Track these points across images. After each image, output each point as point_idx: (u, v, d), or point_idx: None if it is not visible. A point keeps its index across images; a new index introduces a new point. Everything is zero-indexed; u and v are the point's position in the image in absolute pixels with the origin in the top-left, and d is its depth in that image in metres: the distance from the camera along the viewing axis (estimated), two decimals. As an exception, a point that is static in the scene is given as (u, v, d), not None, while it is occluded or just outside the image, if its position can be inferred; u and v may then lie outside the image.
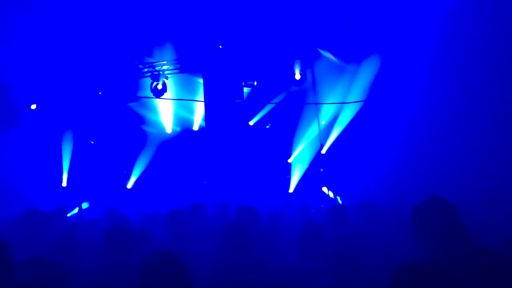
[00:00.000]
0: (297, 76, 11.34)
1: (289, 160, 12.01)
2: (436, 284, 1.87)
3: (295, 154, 11.94)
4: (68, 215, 10.17)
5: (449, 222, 2.67)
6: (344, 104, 10.99)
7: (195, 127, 12.99)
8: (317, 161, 11.64)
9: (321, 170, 11.58)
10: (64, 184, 12.30)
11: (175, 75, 12.14)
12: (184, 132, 13.02)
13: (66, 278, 3.33)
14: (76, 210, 11.23)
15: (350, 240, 3.28)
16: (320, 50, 11.31)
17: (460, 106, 8.66)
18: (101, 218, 6.44)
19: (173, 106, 12.80)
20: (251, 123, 12.46)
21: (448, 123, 8.84)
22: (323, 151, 11.45)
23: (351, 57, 10.85)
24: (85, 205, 11.58)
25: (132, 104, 12.80)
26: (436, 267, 2.03)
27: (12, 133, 8.24)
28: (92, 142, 12.62)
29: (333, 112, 11.29)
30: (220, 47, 11.52)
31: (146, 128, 13.10)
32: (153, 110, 12.88)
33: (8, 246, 2.80)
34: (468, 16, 8.55)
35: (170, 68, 11.89)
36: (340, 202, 10.37)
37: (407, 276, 1.94)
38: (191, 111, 12.88)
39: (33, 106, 11.34)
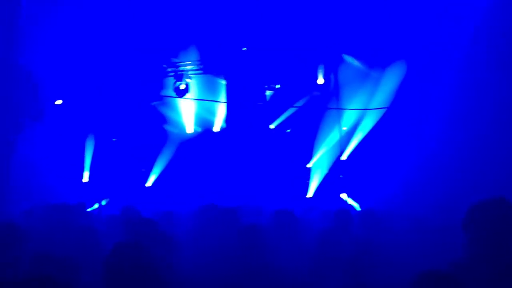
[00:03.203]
0: (320, 81, 11.29)
1: (309, 165, 11.94)
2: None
3: (315, 159, 11.86)
4: (88, 210, 10.32)
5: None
6: (367, 110, 10.88)
7: (216, 128, 13.02)
8: (337, 167, 11.55)
9: (341, 176, 11.49)
10: (85, 179, 12.47)
11: (198, 76, 12.19)
12: (205, 132, 13.07)
13: (74, 275, 3.34)
14: (96, 206, 11.38)
15: (362, 247, 3.23)
16: (344, 56, 11.23)
17: (490, 115, 8.44)
18: (119, 215, 6.48)
19: (195, 107, 12.85)
20: (272, 126, 12.43)
21: (476, 133, 8.63)
22: (344, 157, 11.36)
23: (375, 62, 10.74)
24: (104, 202, 11.72)
25: (155, 103, 12.91)
26: (457, 276, 1.98)
27: (36, 127, 8.40)
28: (114, 140, 12.76)
29: (355, 118, 11.18)
30: (244, 49, 11.55)
31: (167, 127, 13.19)
32: (175, 110, 12.95)
33: None
34: (499, 22, 8.36)
35: (194, 68, 11.96)
36: (358, 209, 10.26)
37: (428, 284, 1.91)
38: (212, 112, 12.91)
39: (58, 102, 11.54)
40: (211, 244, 4.36)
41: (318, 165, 11.79)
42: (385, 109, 10.59)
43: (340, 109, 11.25)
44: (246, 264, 3.49)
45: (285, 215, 4.99)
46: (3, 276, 3.30)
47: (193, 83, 12.00)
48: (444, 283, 1.94)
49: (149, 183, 12.94)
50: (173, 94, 11.75)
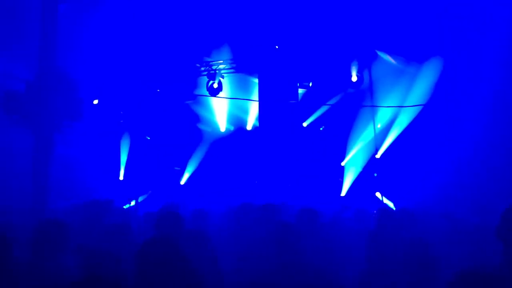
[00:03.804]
0: (354, 78, 11.14)
1: (342, 163, 11.82)
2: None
3: (348, 157, 11.73)
4: (124, 207, 10.54)
5: None
6: (402, 108, 10.67)
7: (249, 127, 13.06)
8: (371, 165, 11.38)
9: (375, 174, 11.31)
10: (121, 177, 12.72)
11: (231, 74, 12.25)
12: (238, 131, 13.12)
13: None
14: (132, 203, 11.59)
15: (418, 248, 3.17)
16: (378, 52, 11.05)
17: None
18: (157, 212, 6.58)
19: (228, 105, 12.93)
20: (305, 124, 12.36)
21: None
22: (378, 156, 11.17)
23: (411, 58, 10.51)
24: (141, 199, 11.92)
25: (188, 102, 13.05)
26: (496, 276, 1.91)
27: (75, 127, 8.62)
28: (149, 138, 12.97)
29: (390, 116, 10.98)
30: (277, 47, 11.51)
31: (201, 126, 13.31)
32: (209, 108, 13.07)
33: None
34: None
35: (226, 67, 12.02)
36: (393, 208, 10.08)
37: (467, 284, 1.85)
38: (245, 110, 12.96)
39: (95, 102, 11.81)
40: (247, 241, 4.37)
41: (352, 164, 11.65)
42: (421, 107, 10.35)
43: (374, 106, 11.08)
44: (281, 262, 3.47)
45: (309, 213, 4.94)
46: (53, 269, 3.43)
47: (226, 81, 12.06)
48: (485, 283, 1.88)
49: (183, 181, 13.10)
50: (206, 93, 11.84)
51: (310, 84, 12.03)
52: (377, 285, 3.26)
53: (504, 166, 8.48)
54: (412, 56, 10.45)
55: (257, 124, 12.57)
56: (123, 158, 12.70)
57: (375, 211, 4.51)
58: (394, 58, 10.91)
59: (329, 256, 3.95)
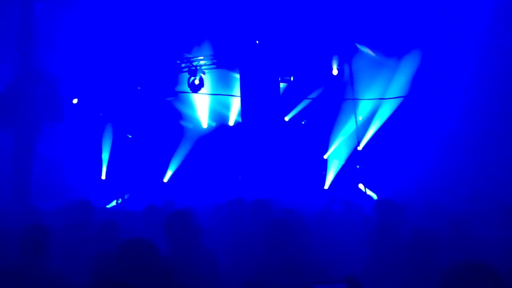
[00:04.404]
0: (335, 72, 11.21)
1: (325, 156, 11.91)
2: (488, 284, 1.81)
3: (331, 150, 11.82)
4: (108, 206, 10.45)
5: None
6: (383, 100, 10.79)
7: (231, 123, 13.04)
8: (354, 157, 11.49)
9: (358, 166, 11.42)
10: (103, 176, 12.60)
11: (212, 70, 12.20)
12: (220, 127, 13.10)
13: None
14: (114, 203, 11.50)
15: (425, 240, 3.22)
16: (358, 45, 11.13)
17: (508, 103, 8.32)
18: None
19: (210, 101, 12.89)
20: (287, 118, 12.39)
21: (494, 122, 8.51)
22: (360, 148, 11.29)
23: (390, 51, 10.63)
24: (125, 197, 11.84)
25: (170, 99, 12.96)
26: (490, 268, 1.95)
27: (56, 127, 8.51)
28: (130, 136, 12.85)
29: (371, 108, 11.10)
30: (257, 42, 11.50)
31: (183, 123, 13.25)
32: (190, 105, 13.02)
33: None
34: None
35: (207, 63, 11.96)
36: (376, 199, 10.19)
37: (460, 275, 1.88)
38: (227, 106, 12.94)
39: (75, 101, 11.66)
40: (235, 236, 4.38)
41: (335, 156, 11.74)
42: (401, 98, 10.49)
43: (355, 99, 11.17)
44: (272, 256, 3.48)
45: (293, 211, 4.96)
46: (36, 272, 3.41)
47: (207, 77, 12.00)
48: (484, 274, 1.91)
49: (166, 179, 13.03)
50: (188, 89, 11.77)
51: (292, 78, 12.05)
52: (382, 275, 3.28)
53: (483, 155, 8.65)
54: (392, 49, 10.57)
55: (239, 120, 12.55)
56: (105, 157, 12.57)
57: (376, 202, 4.53)
58: (374, 51, 11.02)
59: (322, 249, 3.99)
